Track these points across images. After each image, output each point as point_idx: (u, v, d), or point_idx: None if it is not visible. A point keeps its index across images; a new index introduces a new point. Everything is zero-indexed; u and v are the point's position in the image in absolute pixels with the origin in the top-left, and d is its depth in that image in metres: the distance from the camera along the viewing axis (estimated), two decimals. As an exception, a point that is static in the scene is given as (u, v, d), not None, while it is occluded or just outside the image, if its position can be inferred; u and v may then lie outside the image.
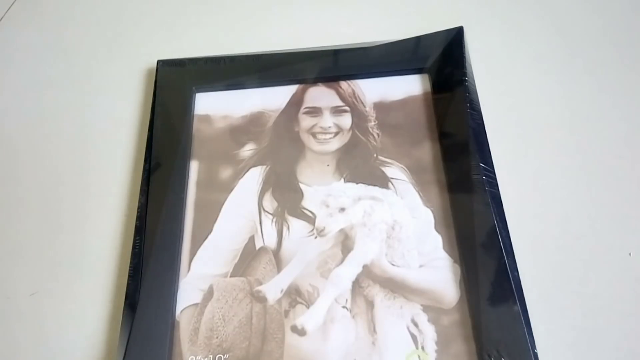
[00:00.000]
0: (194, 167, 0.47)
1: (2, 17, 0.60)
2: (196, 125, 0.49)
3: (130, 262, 0.42)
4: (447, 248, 0.41)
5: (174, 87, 0.50)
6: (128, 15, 0.58)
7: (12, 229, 0.47)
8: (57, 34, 0.58)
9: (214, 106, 0.50)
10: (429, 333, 0.39)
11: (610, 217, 0.42)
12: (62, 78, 0.54)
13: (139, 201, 0.44)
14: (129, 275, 0.41)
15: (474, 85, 0.47)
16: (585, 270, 0.40)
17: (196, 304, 0.41)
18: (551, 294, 0.40)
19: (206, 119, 0.49)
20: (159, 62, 0.51)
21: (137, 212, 0.44)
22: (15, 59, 0.57)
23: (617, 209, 0.42)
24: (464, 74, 0.47)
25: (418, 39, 0.50)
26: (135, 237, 0.43)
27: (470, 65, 0.48)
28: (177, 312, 0.41)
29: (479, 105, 0.46)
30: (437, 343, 0.38)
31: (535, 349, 0.36)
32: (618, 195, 0.43)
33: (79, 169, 0.49)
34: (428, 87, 0.49)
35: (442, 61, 0.49)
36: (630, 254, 0.40)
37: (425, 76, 0.49)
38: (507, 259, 0.39)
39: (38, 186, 0.48)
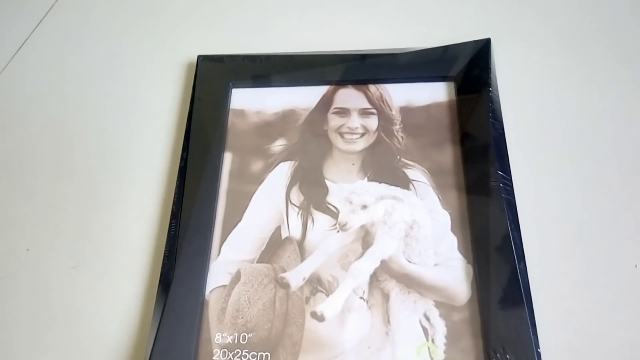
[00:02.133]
0: (227, 158, 0.50)
1: (51, 8, 0.63)
2: (231, 119, 0.52)
3: (166, 244, 0.45)
4: (462, 249, 0.44)
5: (212, 81, 0.53)
6: (171, 10, 0.61)
7: (59, 206, 0.50)
8: (104, 26, 0.61)
9: (248, 102, 0.53)
10: (440, 327, 0.41)
11: (618, 231, 0.44)
12: (109, 68, 0.58)
13: (176, 187, 0.48)
14: (164, 256, 0.45)
15: (498, 96, 0.49)
16: (591, 279, 0.42)
17: (224, 286, 0.44)
18: (558, 299, 0.42)
19: (241, 113, 0.52)
20: (199, 57, 0.54)
21: (174, 197, 0.47)
22: (60, 52, 0.60)
23: (626, 223, 0.44)
24: (489, 85, 0.49)
25: (446, 48, 0.52)
26: (171, 220, 0.46)
27: (495, 77, 0.50)
28: (207, 292, 0.44)
29: (501, 115, 0.49)
30: (446, 337, 0.41)
31: (539, 348, 0.39)
32: (627, 210, 0.45)
33: (122, 154, 0.52)
34: (453, 95, 0.51)
35: (468, 71, 0.51)
36: (636, 266, 0.42)
37: (451, 84, 0.51)
38: (518, 264, 0.42)
39: (84, 168, 0.52)
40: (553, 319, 0.41)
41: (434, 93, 0.51)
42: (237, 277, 0.44)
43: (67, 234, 0.49)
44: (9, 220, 0.50)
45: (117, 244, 0.48)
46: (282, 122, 0.51)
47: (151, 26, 0.60)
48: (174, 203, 0.47)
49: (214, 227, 0.46)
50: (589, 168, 0.47)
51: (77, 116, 0.55)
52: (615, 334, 0.40)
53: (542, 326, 0.40)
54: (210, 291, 0.44)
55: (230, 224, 0.47)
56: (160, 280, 0.44)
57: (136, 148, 0.52)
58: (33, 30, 0.62)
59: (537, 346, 0.39)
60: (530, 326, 0.39)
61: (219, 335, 0.42)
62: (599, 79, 0.51)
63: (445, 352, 0.40)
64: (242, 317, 0.43)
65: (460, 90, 0.51)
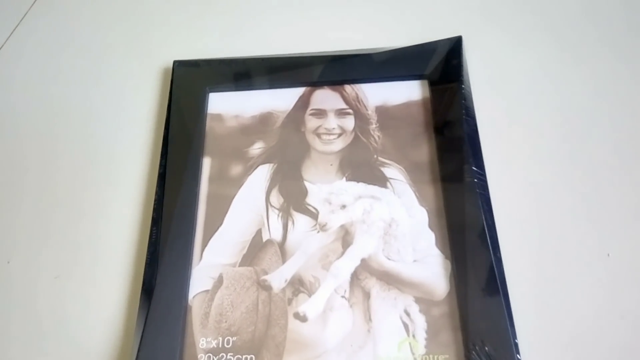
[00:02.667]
0: (206, 163, 0.50)
1: (24, 17, 0.63)
2: (209, 123, 0.52)
3: (147, 250, 0.45)
4: (440, 245, 0.45)
5: (188, 86, 0.53)
6: (146, 15, 0.61)
7: (40, 217, 0.50)
8: (77, 32, 0.61)
9: (226, 106, 0.53)
10: (420, 323, 0.42)
11: (591, 221, 0.45)
12: (84, 75, 0.58)
13: (156, 194, 0.48)
14: (146, 263, 0.45)
15: (470, 93, 0.50)
16: (566, 268, 0.43)
17: (207, 291, 0.44)
18: (533, 290, 0.43)
19: (218, 117, 0.52)
20: (175, 62, 0.55)
21: (154, 204, 0.47)
22: (36, 57, 0.60)
23: (598, 213, 0.45)
24: (462, 82, 0.50)
25: (419, 46, 0.53)
26: (152, 227, 0.46)
27: (468, 73, 0.51)
28: (190, 297, 0.44)
29: (474, 112, 0.49)
30: (427, 332, 0.42)
31: (516, 339, 0.40)
32: (599, 200, 0.46)
33: (101, 161, 0.52)
34: (427, 93, 0.52)
35: (441, 68, 0.52)
36: (608, 255, 0.44)
37: (425, 82, 0.52)
38: (494, 257, 0.43)
39: (64, 178, 0.52)
40: (529, 310, 0.42)
41: (409, 91, 0.52)
42: (219, 282, 0.45)
43: (49, 244, 0.49)
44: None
45: (99, 252, 0.48)
46: (260, 125, 0.52)
47: (127, 32, 0.60)
48: (154, 209, 0.47)
49: (195, 232, 0.47)
50: (560, 161, 0.48)
51: (56, 124, 0.55)
52: (590, 321, 0.42)
53: (518, 317, 0.41)
54: (193, 296, 0.44)
55: (212, 229, 0.47)
56: (142, 287, 0.44)
57: (115, 155, 0.52)
58: (8, 38, 0.62)
59: (515, 337, 0.40)
60: (507, 318, 0.40)
61: (203, 340, 0.43)
62: (568, 74, 0.52)
63: (426, 346, 0.41)
64: (226, 321, 0.43)
65: (434, 88, 0.51)
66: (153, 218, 0.47)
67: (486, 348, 0.40)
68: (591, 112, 0.50)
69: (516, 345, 0.40)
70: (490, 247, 0.43)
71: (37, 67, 0.59)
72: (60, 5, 0.64)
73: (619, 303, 0.42)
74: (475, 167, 0.46)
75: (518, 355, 0.39)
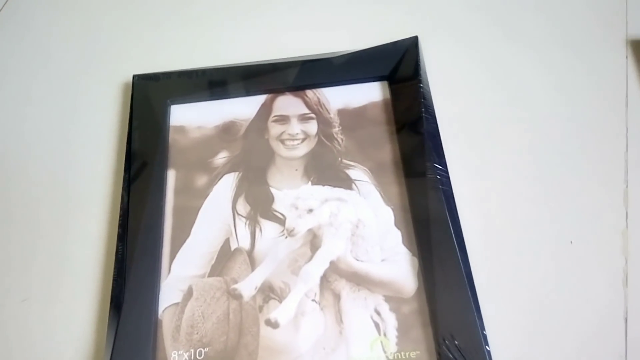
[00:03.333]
0: (171, 175, 0.50)
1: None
2: (172, 135, 0.52)
3: (114, 267, 0.45)
4: (407, 243, 0.45)
5: (149, 100, 0.53)
6: (103, 32, 0.60)
7: (2, 240, 0.49)
8: (33, 52, 0.60)
9: (188, 117, 0.53)
10: (391, 321, 0.42)
11: (552, 209, 0.46)
12: (41, 93, 0.57)
13: (121, 209, 0.48)
14: (113, 279, 0.44)
15: (429, 92, 0.51)
16: (530, 258, 0.44)
17: (177, 303, 0.44)
18: (499, 281, 0.44)
19: (181, 129, 0.52)
20: (134, 76, 0.54)
21: (119, 219, 0.47)
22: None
23: (558, 202, 0.46)
24: (420, 81, 0.51)
25: (377, 48, 0.54)
26: (117, 243, 0.46)
27: (425, 72, 0.52)
28: (160, 311, 0.44)
29: (434, 110, 0.50)
30: (397, 330, 0.42)
31: (485, 331, 0.40)
32: (559, 189, 0.47)
33: (62, 180, 0.51)
34: (387, 94, 0.52)
35: (399, 69, 0.52)
36: (571, 242, 0.45)
37: (385, 83, 0.53)
38: (459, 252, 0.43)
39: (24, 198, 0.51)
40: (496, 301, 0.42)
41: (369, 93, 0.53)
42: (189, 294, 0.45)
43: (14, 268, 0.48)
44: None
45: (66, 272, 0.47)
46: (224, 134, 0.52)
47: (84, 48, 0.60)
48: (120, 225, 0.47)
49: (162, 245, 0.47)
50: (520, 152, 0.49)
51: (16, 144, 0.54)
52: (556, 309, 0.42)
53: (486, 309, 0.42)
54: (163, 310, 0.44)
55: (179, 241, 0.47)
56: (111, 304, 0.43)
57: (77, 173, 0.52)
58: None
59: (483, 329, 0.41)
60: (475, 310, 0.41)
61: (175, 354, 0.42)
62: (522, 67, 0.53)
63: (397, 344, 0.42)
64: (197, 333, 0.43)
65: (394, 89, 0.52)
66: (119, 234, 0.46)
67: (456, 342, 0.40)
68: (548, 103, 0.51)
69: (485, 336, 0.40)
70: (455, 242, 0.44)
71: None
72: (15, 26, 0.63)
73: (584, 289, 0.43)
74: (437, 164, 0.47)
75: (487, 347, 0.40)
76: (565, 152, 0.49)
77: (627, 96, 0.51)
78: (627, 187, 0.46)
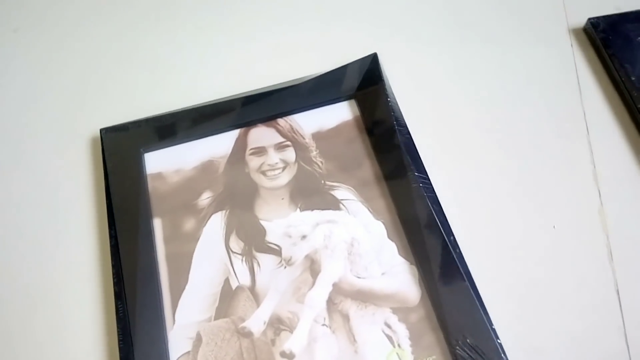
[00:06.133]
0: (157, 224, 0.49)
1: None
2: (151, 183, 0.51)
3: (117, 328, 0.44)
4: (403, 253, 0.47)
5: (121, 152, 0.52)
6: (62, 87, 0.59)
7: (5, 316, 0.47)
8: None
9: (164, 163, 0.52)
10: (402, 331, 0.44)
11: (531, 199, 0.49)
12: (9, 161, 0.55)
13: (112, 267, 0.47)
14: (118, 340, 0.43)
15: (397, 104, 0.53)
16: (520, 247, 0.47)
17: (188, 352, 0.44)
18: (495, 274, 0.45)
19: (159, 176, 0.52)
20: (101, 130, 0.53)
21: (113, 277, 0.46)
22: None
23: (535, 192, 0.49)
24: (386, 95, 0.53)
25: (340, 69, 0.55)
26: (116, 302, 0.45)
27: (390, 86, 0.54)
28: (172, 363, 0.43)
29: (404, 120, 0.52)
30: (410, 339, 0.43)
31: (493, 325, 0.42)
32: (533, 179, 0.50)
33: (47, 248, 0.49)
34: (357, 111, 0.54)
35: (365, 86, 0.54)
36: (554, 227, 0.47)
37: (353, 102, 0.54)
38: (454, 252, 0.45)
39: (12, 275, 0.49)
40: (498, 294, 0.44)
41: (340, 113, 0.54)
42: (198, 340, 0.44)
43: (11, 345, 0.46)
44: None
45: (67, 344, 0.45)
46: (203, 174, 0.52)
47: (44, 109, 0.58)
48: (115, 283, 0.46)
49: (161, 296, 0.46)
50: (496, 145, 0.52)
51: None
52: (553, 291, 0.45)
53: (489, 304, 0.43)
54: (176, 361, 0.44)
55: (178, 289, 0.46)
56: (121, 366, 0.42)
57: (60, 238, 0.50)
58: None
59: (491, 324, 0.42)
60: (480, 308, 0.43)
61: (195, 403, 0.42)
62: (479, 64, 0.56)
63: (412, 352, 0.43)
64: (214, 378, 0.43)
65: (362, 106, 0.54)
66: (115, 292, 0.45)
67: (468, 340, 0.42)
68: (508, 97, 0.54)
69: (494, 330, 0.42)
70: (449, 244, 0.45)
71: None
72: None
73: (574, 269, 0.45)
74: (417, 172, 0.49)
75: (498, 340, 0.42)
76: (532, 143, 0.51)
77: (578, 82, 0.54)
78: (594, 167, 0.50)
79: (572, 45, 0.57)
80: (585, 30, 0.57)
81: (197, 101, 0.55)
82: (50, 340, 0.46)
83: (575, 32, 0.57)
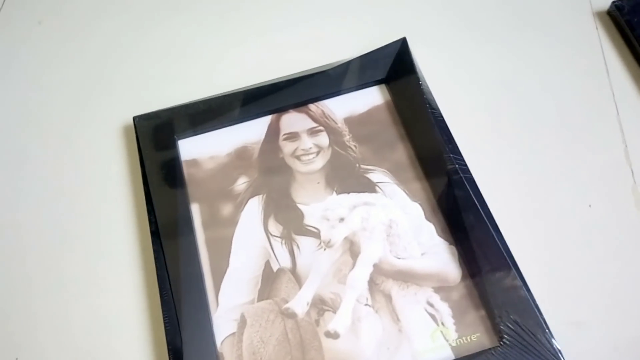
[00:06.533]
0: (195, 210, 0.50)
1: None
2: (186, 170, 0.52)
3: (163, 312, 0.44)
4: (441, 233, 0.47)
5: (156, 139, 0.53)
6: (94, 77, 0.59)
7: (40, 310, 0.47)
8: (25, 110, 0.58)
9: (198, 149, 0.53)
10: (445, 310, 0.44)
11: (567, 179, 0.49)
12: (39, 156, 0.55)
13: (154, 252, 0.47)
14: (164, 324, 0.44)
15: (428, 86, 0.53)
16: (557, 225, 0.47)
17: (233, 334, 0.44)
18: (533, 251, 0.46)
19: (194, 163, 0.52)
20: (135, 118, 0.54)
21: (155, 263, 0.46)
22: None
23: (570, 171, 0.50)
24: (417, 78, 0.53)
25: (370, 54, 0.55)
26: (160, 287, 0.45)
27: (420, 69, 0.54)
28: (218, 345, 0.44)
29: (436, 103, 0.53)
30: (453, 317, 0.44)
31: (537, 302, 0.43)
32: (572, 158, 0.50)
33: (85, 238, 0.50)
34: (388, 96, 0.54)
35: (395, 70, 0.54)
36: (590, 206, 0.48)
37: (383, 86, 0.55)
38: (493, 229, 0.46)
39: (51, 268, 0.49)
40: (538, 271, 0.45)
41: (371, 98, 0.54)
42: (243, 322, 0.44)
43: (59, 335, 0.46)
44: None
45: (112, 332, 0.45)
46: (238, 160, 0.52)
47: (74, 99, 0.58)
48: (158, 269, 0.46)
49: (204, 280, 0.46)
50: (526, 127, 0.52)
51: (30, 215, 0.52)
52: (591, 268, 0.45)
53: (530, 280, 0.44)
54: (221, 343, 0.44)
55: (220, 273, 0.47)
56: (169, 350, 0.43)
57: (101, 228, 0.50)
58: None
59: (534, 299, 0.43)
60: (522, 283, 0.43)
61: (244, 383, 0.42)
62: (509, 55, 0.57)
63: (456, 330, 0.43)
64: (261, 358, 0.43)
65: (393, 89, 0.54)
66: (159, 277, 0.46)
67: (511, 316, 0.42)
68: (538, 82, 0.55)
69: (537, 306, 0.43)
70: (488, 222, 0.46)
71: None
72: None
73: (609, 245, 0.46)
74: (452, 153, 0.49)
75: (542, 315, 0.42)
76: (564, 125, 0.52)
77: (605, 64, 0.55)
78: (626, 146, 0.50)
79: (597, 29, 0.57)
80: (609, 13, 0.58)
81: (228, 88, 0.55)
82: (97, 327, 0.46)
83: (599, 15, 0.58)
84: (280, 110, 0.54)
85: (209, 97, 0.55)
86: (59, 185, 0.53)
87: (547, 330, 0.42)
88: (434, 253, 0.46)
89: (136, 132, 0.53)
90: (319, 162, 0.51)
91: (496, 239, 0.45)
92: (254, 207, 0.50)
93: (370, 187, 0.50)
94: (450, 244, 0.47)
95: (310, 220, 0.49)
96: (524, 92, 0.54)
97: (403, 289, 0.45)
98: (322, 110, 0.54)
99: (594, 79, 0.54)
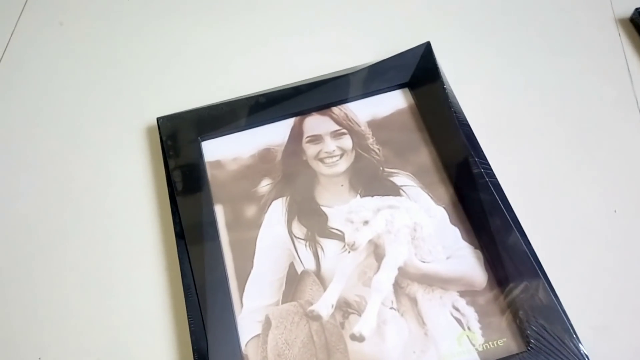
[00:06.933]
0: (219, 211, 0.50)
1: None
2: (210, 171, 0.52)
3: (188, 314, 0.44)
4: (466, 237, 0.47)
5: (179, 140, 0.53)
6: (117, 78, 0.59)
7: (64, 308, 0.47)
8: (48, 111, 0.59)
9: (222, 151, 0.53)
10: (471, 314, 0.44)
11: (593, 184, 0.49)
12: (64, 156, 0.55)
13: (179, 253, 0.47)
14: (189, 325, 0.44)
15: (452, 90, 0.53)
16: (583, 230, 0.47)
17: (258, 335, 0.44)
18: (560, 256, 0.46)
19: (218, 164, 0.52)
20: (158, 119, 0.54)
21: (180, 264, 0.46)
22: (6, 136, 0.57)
23: (596, 178, 0.49)
24: (442, 82, 0.53)
25: (393, 58, 0.55)
26: (185, 287, 0.45)
27: (444, 73, 0.54)
28: (243, 346, 0.43)
29: (460, 107, 0.52)
30: (479, 321, 0.43)
31: (564, 307, 0.42)
32: (598, 162, 0.50)
33: (110, 238, 0.50)
34: (411, 99, 0.54)
35: (419, 74, 0.55)
36: (615, 211, 0.48)
37: (407, 90, 0.55)
38: (519, 234, 0.45)
39: (76, 265, 0.49)
40: (565, 276, 0.45)
41: (394, 101, 0.54)
42: (267, 324, 0.44)
43: (81, 333, 0.46)
44: (18, 329, 0.47)
45: (137, 332, 0.45)
46: (261, 162, 0.52)
47: (96, 99, 0.58)
48: (182, 269, 0.46)
49: (228, 281, 0.46)
50: (550, 132, 0.52)
51: (51, 213, 0.52)
52: (618, 272, 0.45)
53: (557, 285, 0.44)
54: (246, 344, 0.44)
55: (244, 274, 0.47)
56: (194, 351, 0.42)
57: (125, 227, 0.50)
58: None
59: (561, 304, 0.43)
60: (549, 289, 0.43)
61: (269, 385, 0.42)
62: (531, 59, 0.57)
63: (482, 335, 0.43)
64: (286, 360, 0.43)
65: (417, 93, 0.54)
66: (184, 279, 0.46)
67: (539, 321, 0.42)
68: (561, 88, 0.55)
69: (565, 312, 0.42)
70: (513, 226, 0.46)
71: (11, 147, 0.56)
72: (15, 78, 0.61)
73: (636, 250, 0.46)
74: (477, 158, 0.49)
75: (569, 321, 0.42)
76: (589, 130, 0.52)
77: (629, 70, 0.55)
78: (652, 153, 0.50)
79: (619, 35, 0.57)
80: (632, 20, 0.58)
81: (251, 91, 0.55)
82: (122, 328, 0.46)
83: (622, 22, 0.58)
84: (303, 113, 0.54)
85: (233, 99, 0.55)
86: (83, 186, 0.53)
87: (574, 335, 0.41)
88: (459, 257, 0.46)
89: (160, 133, 0.53)
90: (343, 164, 0.51)
91: (522, 243, 0.45)
92: (278, 209, 0.50)
93: (394, 190, 0.50)
94: (476, 248, 0.46)
95: (334, 222, 0.48)
96: (547, 97, 0.54)
97: (428, 293, 0.45)
98: (345, 113, 0.54)
99: (617, 85, 0.54)
